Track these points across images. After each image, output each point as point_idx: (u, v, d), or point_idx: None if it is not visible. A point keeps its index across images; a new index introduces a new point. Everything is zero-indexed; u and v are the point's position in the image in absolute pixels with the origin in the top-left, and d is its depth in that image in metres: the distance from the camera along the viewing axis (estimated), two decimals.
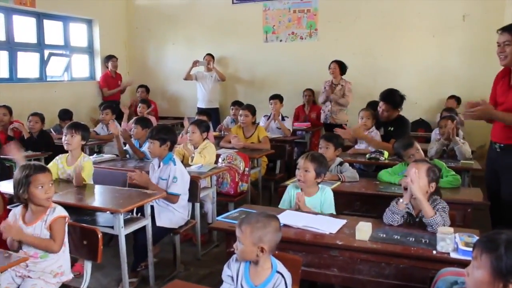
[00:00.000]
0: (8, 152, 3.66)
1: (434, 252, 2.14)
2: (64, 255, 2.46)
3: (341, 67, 6.37)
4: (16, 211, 2.49)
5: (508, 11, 6.07)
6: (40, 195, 2.36)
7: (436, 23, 6.58)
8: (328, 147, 3.64)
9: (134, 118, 5.47)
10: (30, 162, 2.95)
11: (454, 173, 3.42)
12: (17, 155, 3.63)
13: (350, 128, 4.61)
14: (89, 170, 3.54)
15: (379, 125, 4.51)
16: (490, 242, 1.49)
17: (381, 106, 4.51)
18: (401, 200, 2.52)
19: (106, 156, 4.53)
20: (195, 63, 7.48)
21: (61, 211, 2.44)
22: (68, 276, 2.48)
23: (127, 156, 4.53)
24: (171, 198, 3.42)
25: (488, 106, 3.03)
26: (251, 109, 5.33)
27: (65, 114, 6.06)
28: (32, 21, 6.96)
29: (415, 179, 2.44)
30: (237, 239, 1.93)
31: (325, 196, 2.88)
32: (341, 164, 3.65)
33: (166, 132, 3.55)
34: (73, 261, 3.35)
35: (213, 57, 7.58)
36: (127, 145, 4.55)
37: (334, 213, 2.85)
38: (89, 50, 8.01)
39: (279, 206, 3.01)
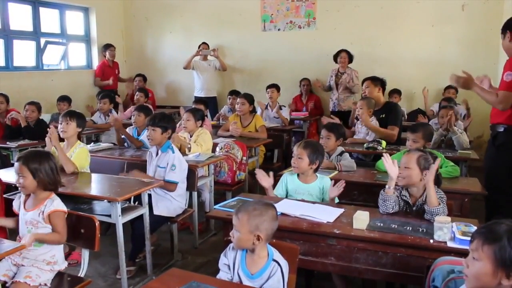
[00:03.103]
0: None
1: (431, 241, 2.15)
2: (57, 245, 2.47)
3: (349, 56, 6.44)
4: (20, 198, 2.55)
5: (507, 1, 6.04)
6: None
7: (435, 13, 6.54)
8: (329, 137, 3.62)
9: (135, 106, 5.43)
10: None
11: (453, 164, 3.43)
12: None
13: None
14: (84, 157, 3.53)
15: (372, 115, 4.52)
16: (491, 233, 1.47)
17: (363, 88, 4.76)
18: (387, 186, 2.54)
19: (103, 145, 4.51)
20: (199, 52, 7.41)
21: (59, 205, 2.47)
22: (61, 265, 2.49)
23: (125, 145, 4.52)
24: (169, 186, 3.43)
25: (471, 79, 3.33)
26: (248, 98, 5.31)
27: (63, 99, 5.89)
28: (27, 8, 6.88)
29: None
30: (234, 227, 1.94)
31: (324, 185, 2.89)
32: (341, 154, 3.65)
33: (168, 120, 3.61)
34: (71, 250, 3.38)
35: (208, 45, 7.51)
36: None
37: (338, 201, 2.86)
38: (86, 38, 7.94)
39: (274, 193, 3.01)
